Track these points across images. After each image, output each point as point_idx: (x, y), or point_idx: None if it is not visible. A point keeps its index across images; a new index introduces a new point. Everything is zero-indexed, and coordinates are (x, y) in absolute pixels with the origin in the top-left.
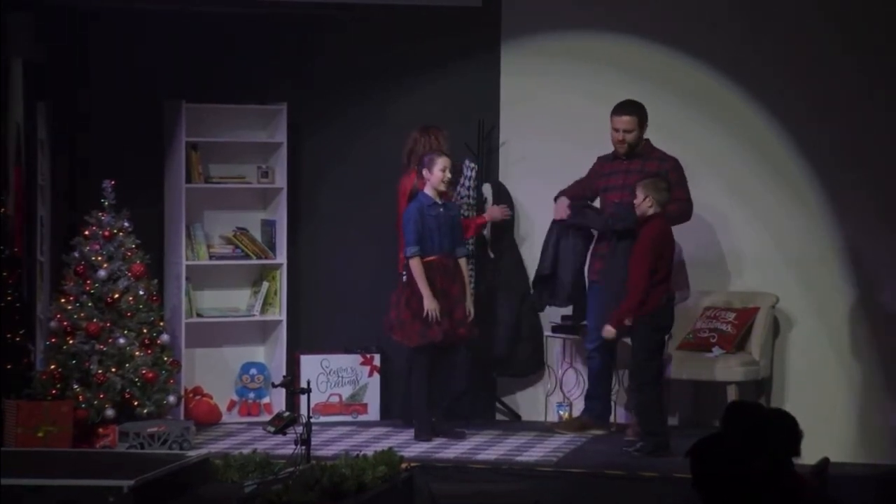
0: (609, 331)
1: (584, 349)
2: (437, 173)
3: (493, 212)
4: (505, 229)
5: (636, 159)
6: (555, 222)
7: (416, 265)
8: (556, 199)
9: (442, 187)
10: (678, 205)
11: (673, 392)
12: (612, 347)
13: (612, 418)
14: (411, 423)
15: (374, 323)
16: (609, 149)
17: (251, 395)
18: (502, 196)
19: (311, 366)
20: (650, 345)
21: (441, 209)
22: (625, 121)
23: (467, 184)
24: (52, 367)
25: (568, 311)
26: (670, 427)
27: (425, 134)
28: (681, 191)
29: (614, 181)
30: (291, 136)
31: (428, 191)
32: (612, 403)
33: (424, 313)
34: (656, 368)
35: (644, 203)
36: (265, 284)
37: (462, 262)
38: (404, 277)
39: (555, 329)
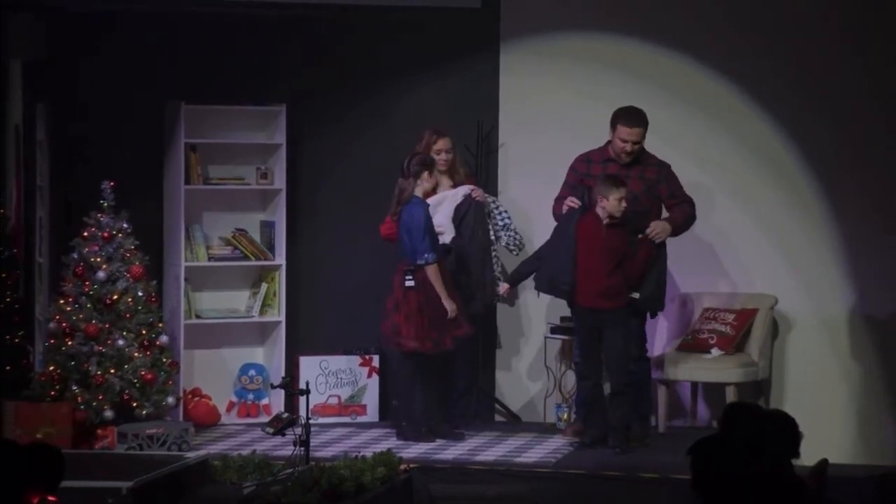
0: None
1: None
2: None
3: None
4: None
5: (635, 165)
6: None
7: (434, 271)
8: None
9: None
10: (685, 212)
11: (672, 393)
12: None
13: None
14: (400, 425)
15: (374, 324)
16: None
17: (250, 396)
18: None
19: (310, 367)
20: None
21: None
22: (637, 132)
23: (506, 221)
24: (51, 368)
25: (567, 311)
26: (672, 428)
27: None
28: (684, 196)
29: None
30: (290, 137)
31: (421, 194)
32: None
33: (450, 315)
34: (579, 369)
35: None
36: (264, 286)
37: None
38: (409, 283)
39: (553, 330)
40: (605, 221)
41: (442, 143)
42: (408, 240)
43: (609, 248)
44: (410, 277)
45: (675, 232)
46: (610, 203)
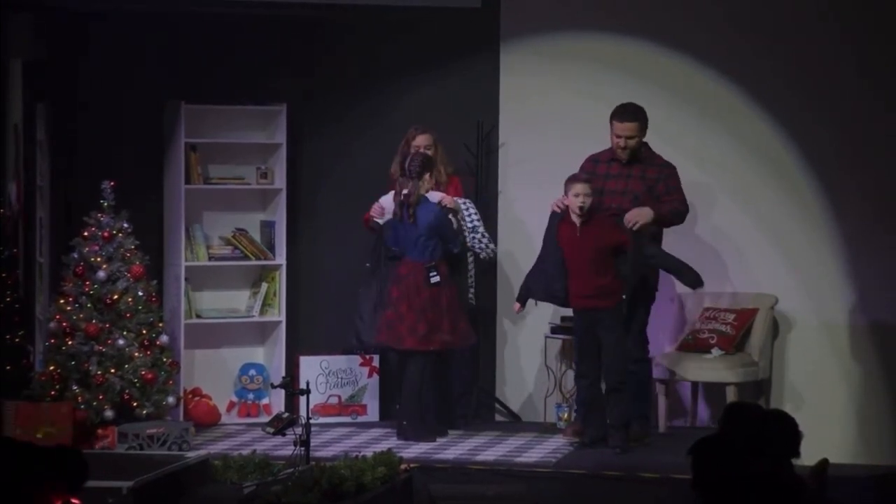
0: None
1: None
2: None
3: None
4: None
5: (636, 164)
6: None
7: None
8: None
9: None
10: (673, 205)
11: (672, 393)
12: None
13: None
14: (401, 425)
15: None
16: (602, 148)
17: (250, 396)
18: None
19: (311, 367)
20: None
21: None
22: (628, 127)
23: (475, 223)
24: (52, 368)
25: (568, 311)
26: (672, 428)
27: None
28: (679, 194)
29: (613, 185)
30: (291, 136)
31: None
32: None
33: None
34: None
35: None
36: (264, 285)
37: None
38: (434, 278)
39: (554, 330)
40: (576, 221)
41: (421, 140)
42: (434, 236)
43: (589, 248)
44: (435, 273)
45: (660, 222)
46: (569, 199)
